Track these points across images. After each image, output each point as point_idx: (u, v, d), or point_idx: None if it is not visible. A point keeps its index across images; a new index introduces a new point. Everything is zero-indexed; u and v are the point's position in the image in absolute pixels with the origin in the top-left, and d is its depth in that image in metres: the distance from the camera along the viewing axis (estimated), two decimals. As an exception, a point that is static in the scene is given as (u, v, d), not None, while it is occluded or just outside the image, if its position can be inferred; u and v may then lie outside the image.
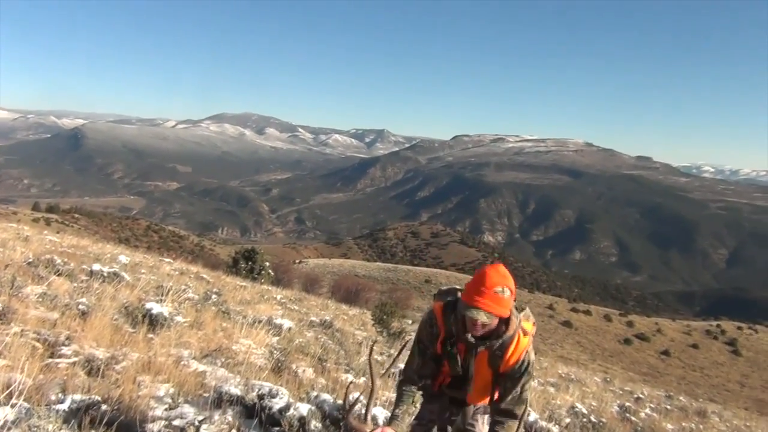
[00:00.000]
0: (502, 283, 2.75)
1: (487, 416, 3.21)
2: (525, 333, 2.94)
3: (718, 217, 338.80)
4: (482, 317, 2.72)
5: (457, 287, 3.12)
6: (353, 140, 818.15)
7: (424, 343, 3.05)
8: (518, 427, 2.99)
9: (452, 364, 3.01)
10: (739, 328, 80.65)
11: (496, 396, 3.01)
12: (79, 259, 9.78)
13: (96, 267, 8.24)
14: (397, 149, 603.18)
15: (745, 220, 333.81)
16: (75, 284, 6.96)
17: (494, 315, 2.75)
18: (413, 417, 3.04)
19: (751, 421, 21.25)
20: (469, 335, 2.88)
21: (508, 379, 2.93)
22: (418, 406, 3.04)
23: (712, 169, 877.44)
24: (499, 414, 2.95)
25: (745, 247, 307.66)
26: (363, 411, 2.92)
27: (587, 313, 78.61)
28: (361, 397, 3.29)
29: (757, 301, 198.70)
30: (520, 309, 3.03)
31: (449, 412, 3.28)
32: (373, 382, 2.96)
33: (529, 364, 2.92)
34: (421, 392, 3.06)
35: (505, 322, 2.86)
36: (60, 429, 3.04)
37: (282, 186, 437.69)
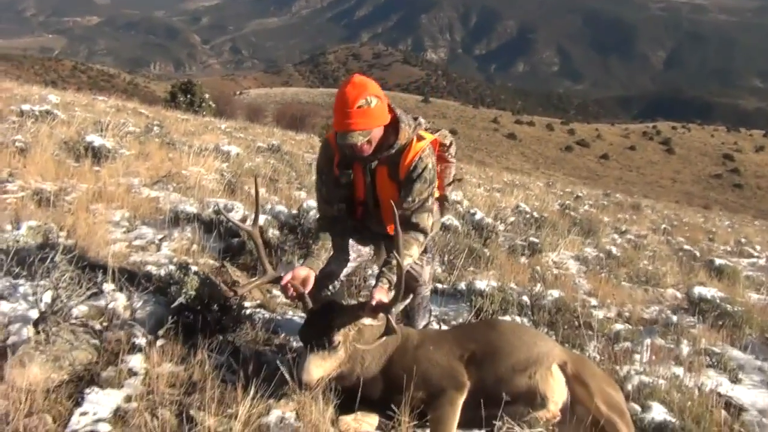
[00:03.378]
0: (363, 94, 2.55)
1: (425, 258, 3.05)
2: (420, 138, 2.79)
3: (658, 18, 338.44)
4: (356, 138, 2.56)
5: None
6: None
7: (324, 171, 2.91)
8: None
9: (349, 187, 2.87)
10: (674, 127, 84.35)
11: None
12: (5, 101, 9.28)
13: (26, 107, 7.87)
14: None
15: (684, 20, 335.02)
16: (6, 125, 6.68)
17: (369, 130, 2.59)
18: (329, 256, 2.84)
19: (680, 211, 23.07)
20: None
21: (405, 184, 2.76)
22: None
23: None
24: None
25: (683, 48, 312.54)
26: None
27: (530, 124, 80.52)
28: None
29: (692, 100, 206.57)
30: (435, 130, 2.95)
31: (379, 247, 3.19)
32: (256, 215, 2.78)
33: (425, 169, 2.73)
34: (340, 226, 2.91)
35: (393, 129, 2.73)
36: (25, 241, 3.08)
37: (212, 13, 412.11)
